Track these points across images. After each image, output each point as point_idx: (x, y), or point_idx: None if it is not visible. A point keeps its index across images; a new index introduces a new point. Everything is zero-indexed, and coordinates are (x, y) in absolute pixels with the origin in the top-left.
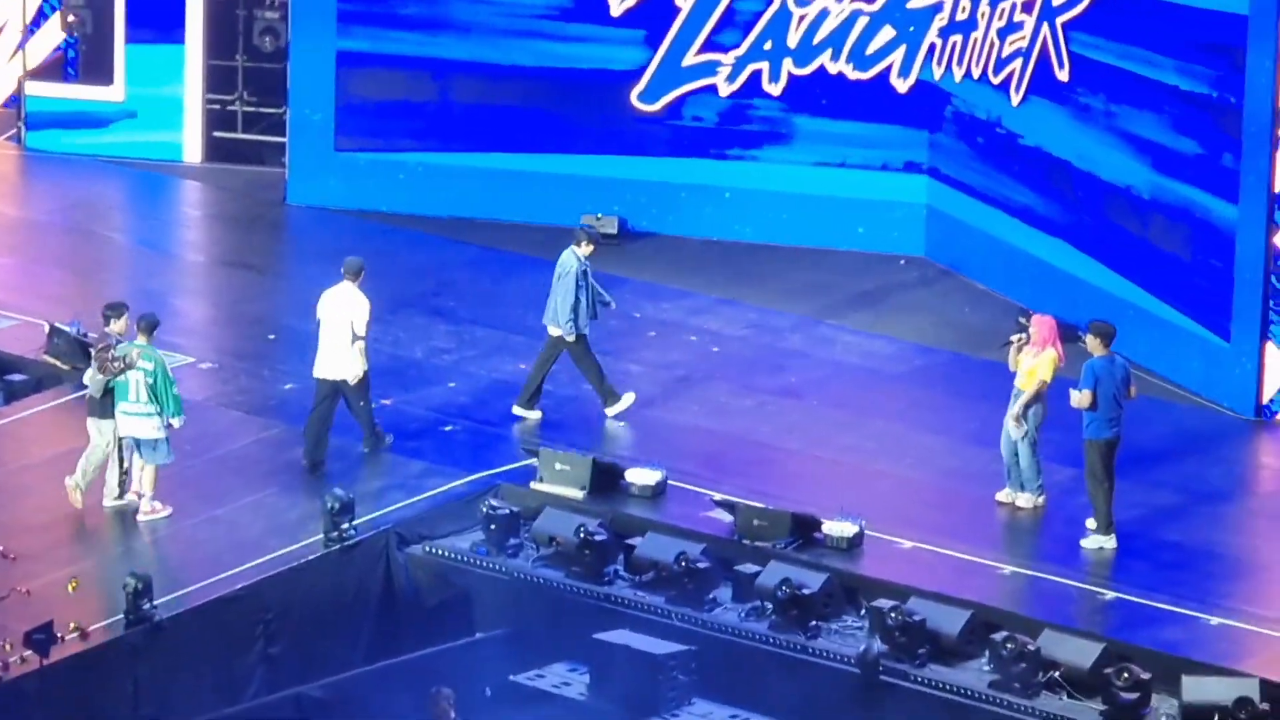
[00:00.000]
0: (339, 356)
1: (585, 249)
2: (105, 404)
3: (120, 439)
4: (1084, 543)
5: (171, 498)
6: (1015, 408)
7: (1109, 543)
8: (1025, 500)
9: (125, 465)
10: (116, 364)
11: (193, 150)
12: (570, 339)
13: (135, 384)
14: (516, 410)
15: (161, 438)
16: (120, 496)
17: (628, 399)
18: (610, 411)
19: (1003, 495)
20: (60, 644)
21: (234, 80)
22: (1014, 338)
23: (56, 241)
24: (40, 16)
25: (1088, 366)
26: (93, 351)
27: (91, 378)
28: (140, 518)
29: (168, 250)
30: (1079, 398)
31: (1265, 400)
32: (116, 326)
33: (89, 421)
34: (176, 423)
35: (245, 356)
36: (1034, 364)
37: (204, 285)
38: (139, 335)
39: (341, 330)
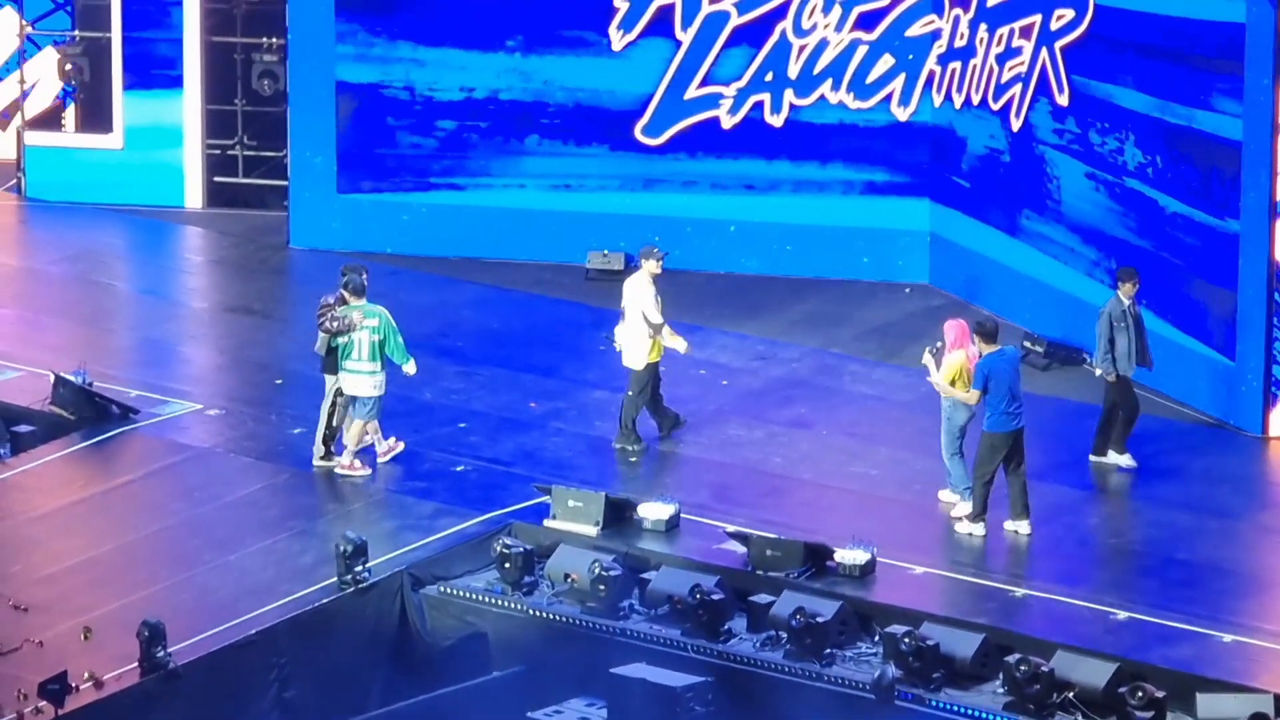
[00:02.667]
0: (632, 343)
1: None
2: (331, 360)
3: (336, 401)
4: (956, 526)
5: (182, 545)
6: (946, 403)
7: (978, 530)
8: (949, 496)
9: (335, 425)
10: (335, 323)
11: (194, 196)
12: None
13: (359, 342)
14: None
15: (376, 396)
16: (326, 457)
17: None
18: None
19: (944, 494)
20: (75, 694)
21: (234, 125)
22: (928, 351)
23: (59, 291)
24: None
25: (977, 367)
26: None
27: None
28: (338, 470)
29: (171, 297)
30: (967, 396)
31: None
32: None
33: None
34: (409, 368)
35: (252, 402)
36: (946, 367)
37: (209, 331)
38: (350, 297)
39: (636, 318)
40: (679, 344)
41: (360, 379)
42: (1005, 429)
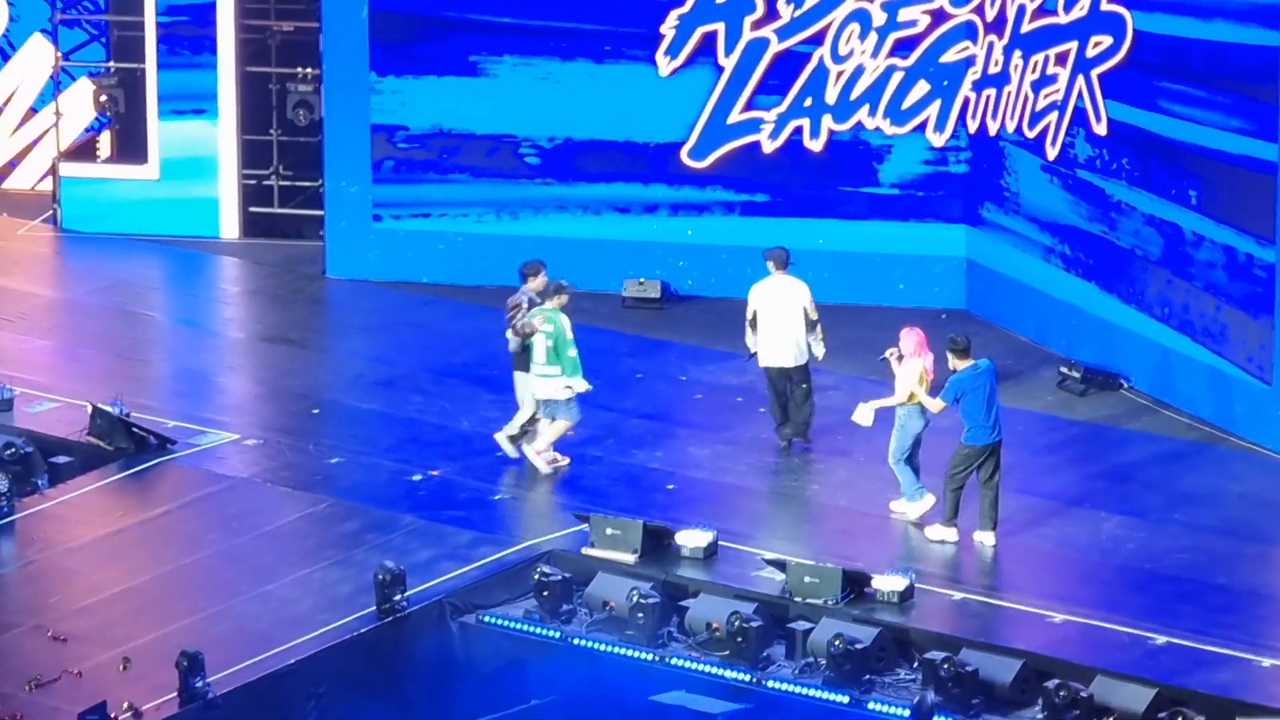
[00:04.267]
0: (787, 344)
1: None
2: (522, 358)
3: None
4: (928, 531)
5: (220, 575)
6: (880, 402)
7: (950, 535)
8: (900, 505)
9: (536, 415)
10: (523, 326)
11: (230, 226)
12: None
13: (539, 346)
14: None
15: (563, 399)
16: (513, 441)
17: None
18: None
19: (895, 505)
20: None
21: (269, 155)
22: (888, 352)
23: (96, 322)
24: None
25: (949, 382)
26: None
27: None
28: (543, 467)
29: (208, 327)
30: (932, 403)
31: None
32: (533, 285)
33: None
34: (578, 385)
35: (290, 432)
36: (902, 375)
37: (245, 361)
38: (549, 299)
39: (792, 318)
40: (819, 350)
41: (546, 382)
42: (984, 442)
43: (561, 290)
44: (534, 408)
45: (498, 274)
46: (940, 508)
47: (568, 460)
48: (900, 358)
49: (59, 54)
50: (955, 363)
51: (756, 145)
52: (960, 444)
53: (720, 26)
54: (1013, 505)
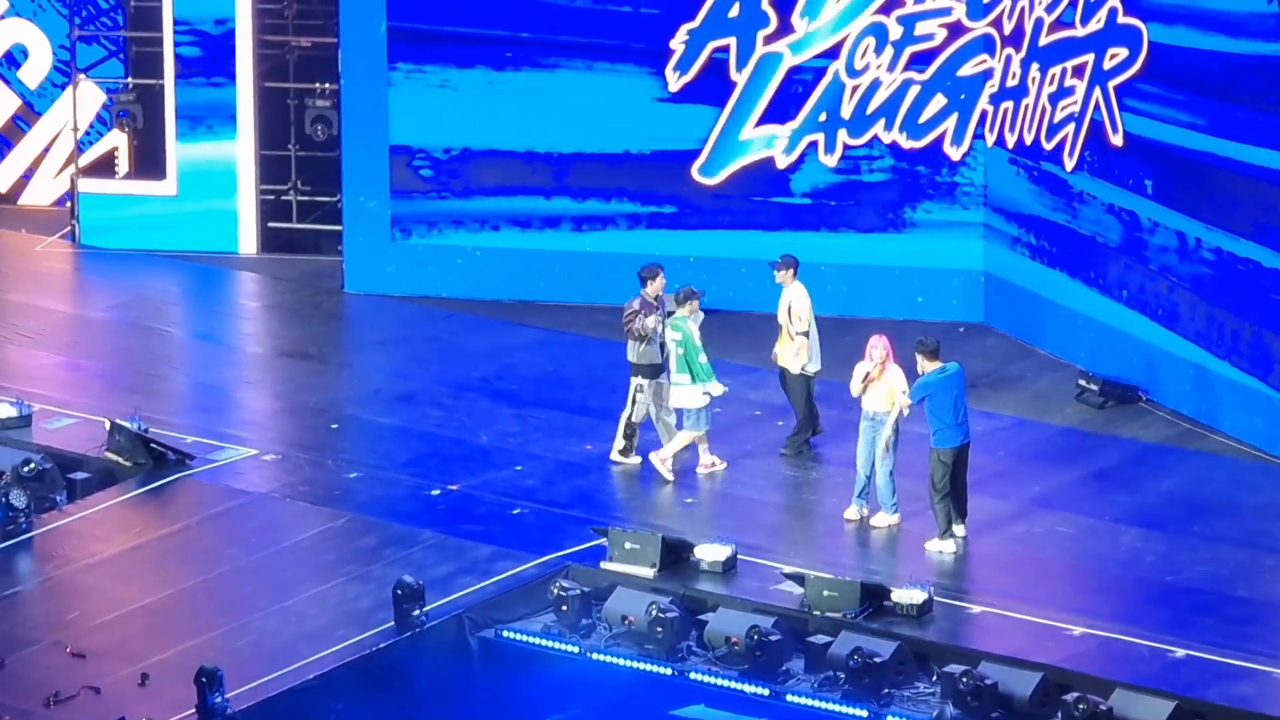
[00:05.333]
0: (783, 348)
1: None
2: (647, 366)
3: (636, 399)
4: (927, 545)
5: (238, 590)
6: (887, 430)
7: (948, 547)
8: (882, 519)
9: (634, 422)
10: (639, 329)
11: (248, 241)
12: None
13: (673, 356)
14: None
15: (698, 407)
16: (625, 452)
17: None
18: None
19: (851, 513)
20: None
21: (287, 170)
22: (873, 369)
23: (114, 338)
24: (102, 124)
25: (917, 384)
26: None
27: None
28: (665, 474)
29: (226, 343)
30: (902, 401)
31: None
32: (651, 289)
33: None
34: (714, 389)
35: (309, 447)
36: (889, 384)
37: (264, 377)
38: (678, 306)
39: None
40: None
41: (680, 391)
42: (952, 444)
43: (691, 296)
44: (657, 413)
45: (516, 288)
46: (933, 523)
47: (724, 464)
48: (881, 367)
49: (78, 69)
50: (924, 365)
51: (770, 161)
52: (931, 451)
53: (732, 41)
54: (1030, 518)
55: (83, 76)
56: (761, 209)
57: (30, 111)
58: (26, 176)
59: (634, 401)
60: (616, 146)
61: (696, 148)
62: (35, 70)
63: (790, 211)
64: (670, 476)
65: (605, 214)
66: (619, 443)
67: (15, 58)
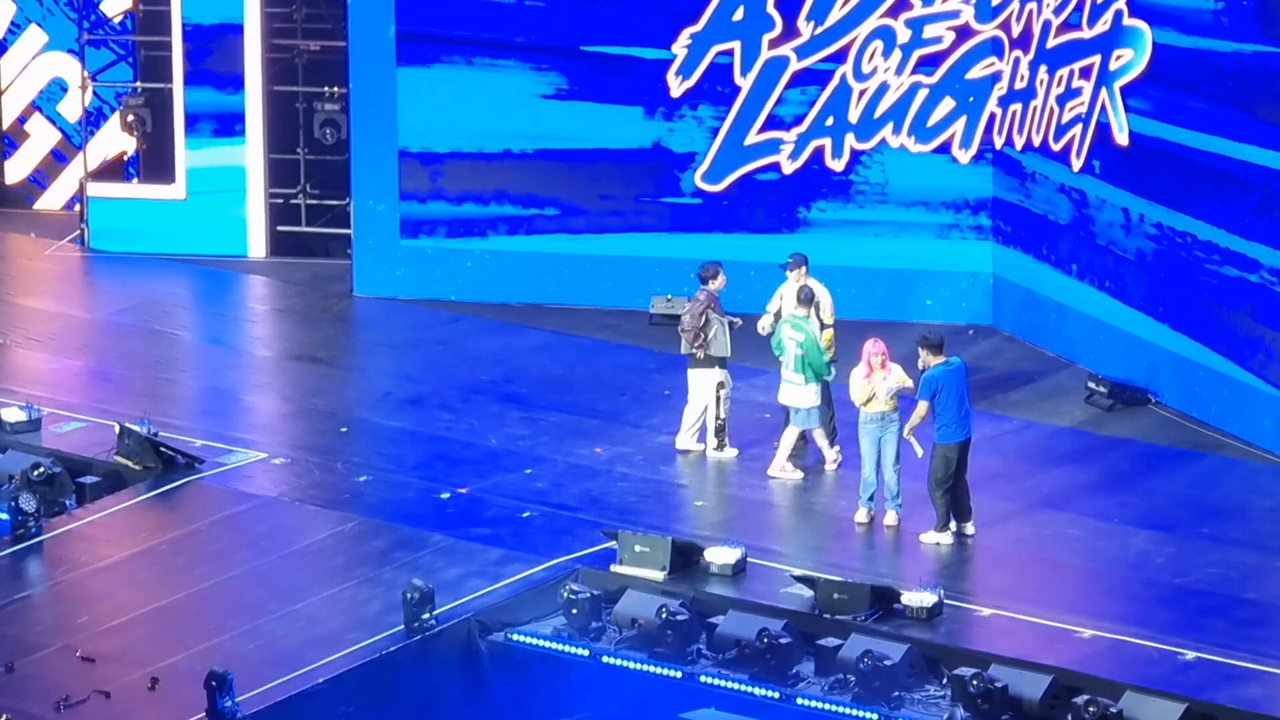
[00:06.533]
0: None
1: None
2: (708, 358)
3: (719, 395)
4: (922, 537)
5: (249, 594)
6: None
7: (944, 539)
8: (892, 518)
9: (722, 417)
10: (695, 333)
11: (257, 245)
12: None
13: (789, 355)
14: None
15: (810, 406)
16: (720, 448)
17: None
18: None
19: (861, 516)
20: None
21: (296, 173)
22: (899, 382)
23: (124, 341)
24: (100, 117)
25: (925, 379)
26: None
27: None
28: (770, 471)
29: (235, 346)
30: (918, 409)
31: None
32: (714, 286)
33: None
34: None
35: (318, 450)
36: (896, 383)
37: (273, 380)
38: (799, 307)
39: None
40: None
41: (791, 389)
42: (956, 439)
43: (812, 298)
44: (702, 406)
45: (524, 291)
46: (932, 515)
47: (799, 475)
48: (885, 364)
49: (86, 74)
50: (928, 359)
51: (776, 166)
52: (934, 446)
53: (736, 45)
54: (1039, 520)
55: (91, 80)
56: (768, 213)
57: (70, 145)
58: (38, 182)
59: (719, 399)
60: (627, 148)
61: (701, 151)
62: (75, 103)
63: (796, 216)
64: (799, 475)
65: (614, 216)
66: (711, 440)
67: (54, 92)
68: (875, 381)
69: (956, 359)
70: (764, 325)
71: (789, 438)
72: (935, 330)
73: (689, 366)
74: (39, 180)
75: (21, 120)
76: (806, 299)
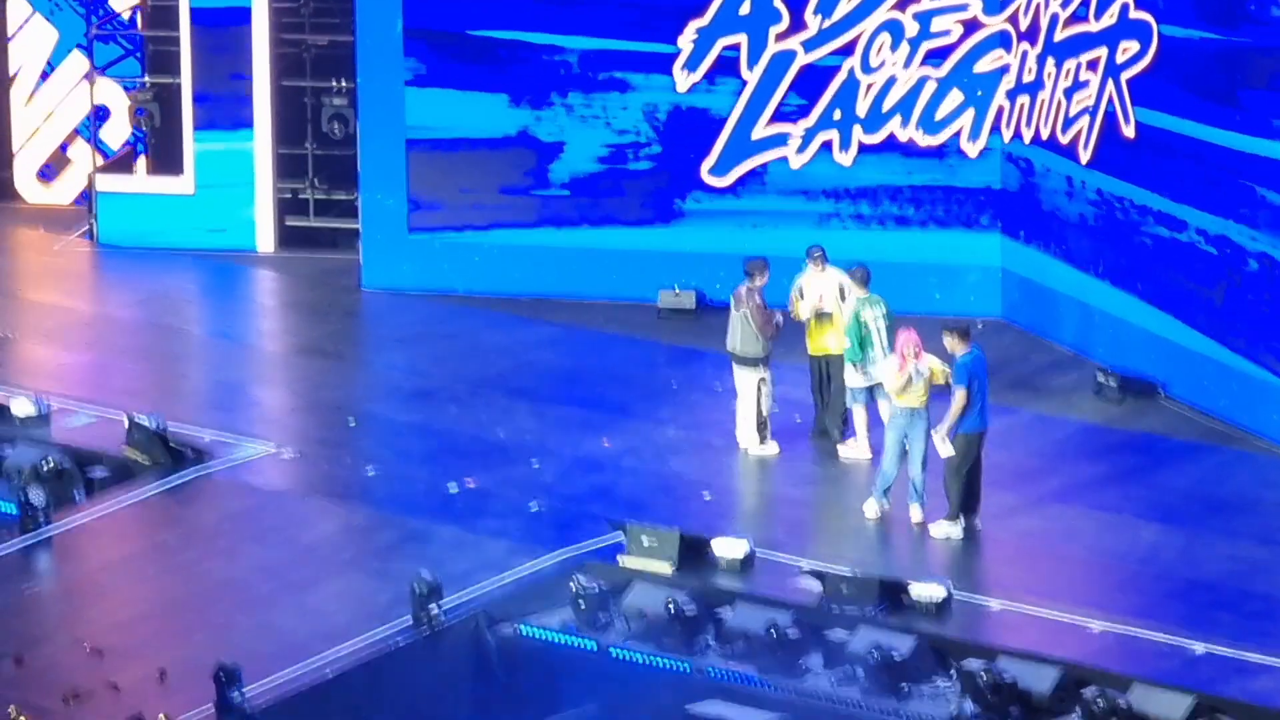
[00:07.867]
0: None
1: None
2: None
3: (761, 390)
4: (932, 528)
5: (257, 588)
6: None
7: (955, 531)
8: (917, 513)
9: (765, 414)
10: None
11: (265, 239)
12: None
13: (877, 333)
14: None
15: (859, 386)
16: (762, 444)
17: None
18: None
19: (871, 509)
20: None
21: (304, 167)
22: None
23: (132, 335)
24: (104, 111)
25: (960, 365)
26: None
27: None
28: (858, 453)
29: (244, 340)
30: (958, 398)
31: None
32: (759, 282)
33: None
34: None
35: (327, 443)
36: (937, 364)
37: (282, 374)
38: (857, 288)
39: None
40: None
41: (881, 369)
42: (980, 428)
43: (869, 277)
44: (753, 399)
45: (533, 284)
46: (941, 507)
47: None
48: (919, 355)
49: (94, 68)
50: (955, 346)
51: (783, 160)
52: (958, 435)
53: (743, 39)
54: (1049, 514)
55: (99, 74)
56: (775, 207)
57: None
58: (47, 175)
59: (761, 394)
60: (635, 142)
61: (707, 144)
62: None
63: (804, 209)
64: (866, 454)
65: (622, 209)
66: (754, 436)
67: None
68: (910, 370)
69: (976, 348)
70: (801, 313)
71: (863, 417)
72: (960, 320)
73: (732, 365)
74: (47, 174)
75: (63, 148)
76: (864, 279)
